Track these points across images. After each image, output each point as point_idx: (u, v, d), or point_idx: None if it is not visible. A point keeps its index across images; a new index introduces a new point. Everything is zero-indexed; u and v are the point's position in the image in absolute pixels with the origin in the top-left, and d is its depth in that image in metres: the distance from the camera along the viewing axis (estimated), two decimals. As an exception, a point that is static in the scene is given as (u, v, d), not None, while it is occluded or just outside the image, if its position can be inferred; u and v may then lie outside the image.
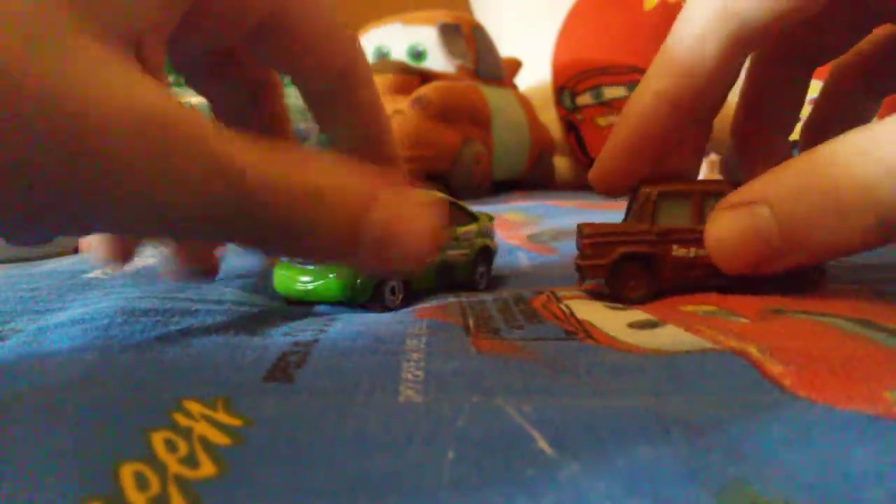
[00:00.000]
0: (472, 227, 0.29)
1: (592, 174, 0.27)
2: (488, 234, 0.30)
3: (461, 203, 0.29)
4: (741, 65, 0.26)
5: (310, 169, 0.17)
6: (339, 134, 0.26)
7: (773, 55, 0.31)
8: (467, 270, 0.28)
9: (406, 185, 0.19)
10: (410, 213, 0.18)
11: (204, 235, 0.18)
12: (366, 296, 0.24)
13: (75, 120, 0.13)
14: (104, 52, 0.15)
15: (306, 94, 0.25)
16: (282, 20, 0.22)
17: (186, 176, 0.15)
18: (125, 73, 0.15)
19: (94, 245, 0.26)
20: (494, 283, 0.30)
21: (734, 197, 0.23)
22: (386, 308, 0.24)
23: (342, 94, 0.25)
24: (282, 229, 0.17)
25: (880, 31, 0.30)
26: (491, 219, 0.30)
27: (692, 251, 0.25)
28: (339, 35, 0.24)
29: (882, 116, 0.24)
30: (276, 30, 0.22)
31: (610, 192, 0.27)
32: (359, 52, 0.25)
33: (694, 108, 0.25)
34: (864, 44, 0.31)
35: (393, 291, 0.25)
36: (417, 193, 0.19)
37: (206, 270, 0.28)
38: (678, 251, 0.25)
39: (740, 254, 0.22)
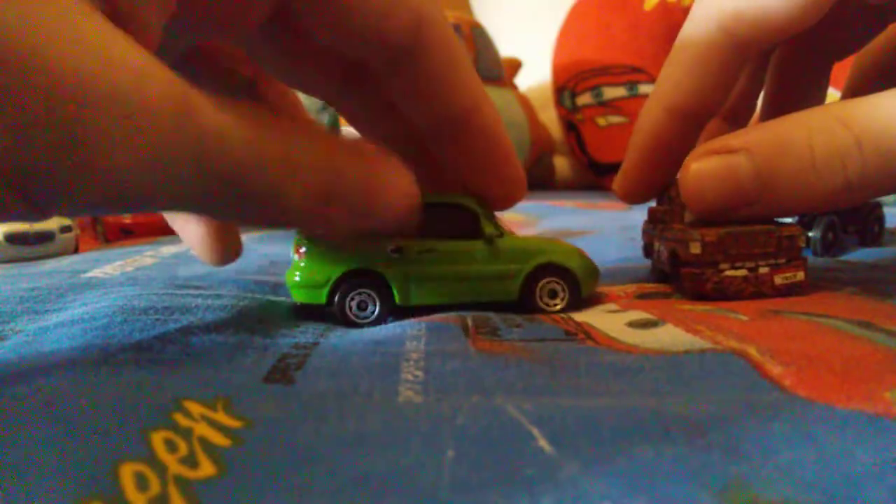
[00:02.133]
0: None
1: (617, 187, 0.29)
2: None
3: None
4: (749, 73, 0.27)
5: (282, 132, 0.17)
6: (424, 124, 0.22)
7: (790, 55, 0.31)
8: None
9: (381, 148, 0.19)
10: (386, 167, 0.18)
11: (169, 202, 0.16)
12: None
13: (42, 78, 0.12)
14: (75, 3, 0.13)
15: (367, 68, 0.21)
16: None
17: (157, 138, 0.14)
18: (96, 27, 0.14)
19: (193, 244, 0.25)
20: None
21: (717, 142, 0.23)
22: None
23: (416, 63, 0.20)
24: (251, 196, 0.16)
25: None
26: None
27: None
28: None
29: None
30: None
31: (635, 201, 0.29)
32: (433, 5, 0.20)
33: (703, 117, 0.27)
34: (883, 37, 0.31)
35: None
36: (392, 155, 0.19)
37: (236, 250, 0.26)
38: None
39: (713, 193, 0.23)
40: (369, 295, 0.23)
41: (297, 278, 0.23)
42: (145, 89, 0.14)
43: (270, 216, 0.18)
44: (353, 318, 0.23)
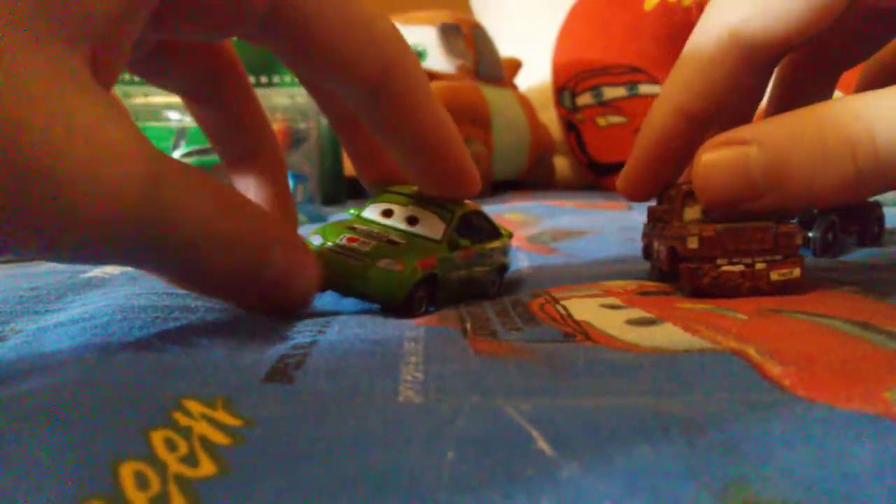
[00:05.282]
0: (497, 245, 0.28)
1: (620, 184, 0.29)
2: (507, 251, 0.29)
3: (490, 217, 0.28)
4: (756, 79, 0.27)
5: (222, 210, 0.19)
6: (393, 149, 0.24)
7: (799, 62, 0.32)
8: (485, 285, 0.27)
9: (297, 235, 0.23)
10: (302, 258, 0.22)
11: (111, 255, 0.18)
12: (400, 298, 0.23)
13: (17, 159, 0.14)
14: (56, 64, 0.15)
15: (351, 106, 0.23)
16: (289, 15, 0.20)
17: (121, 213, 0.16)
18: (85, 107, 0.15)
19: None
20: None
21: (728, 134, 0.23)
22: (411, 315, 0.23)
23: (382, 105, 0.22)
24: (189, 263, 0.19)
25: None
26: (510, 235, 0.29)
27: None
28: (369, 33, 0.21)
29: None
30: (285, 28, 0.20)
31: (637, 199, 0.29)
32: (400, 52, 0.22)
33: (710, 120, 0.27)
34: (892, 45, 0.31)
35: (420, 302, 0.24)
36: (305, 242, 0.23)
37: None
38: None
39: (722, 186, 0.23)
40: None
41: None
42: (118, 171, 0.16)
43: (203, 284, 0.21)
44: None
